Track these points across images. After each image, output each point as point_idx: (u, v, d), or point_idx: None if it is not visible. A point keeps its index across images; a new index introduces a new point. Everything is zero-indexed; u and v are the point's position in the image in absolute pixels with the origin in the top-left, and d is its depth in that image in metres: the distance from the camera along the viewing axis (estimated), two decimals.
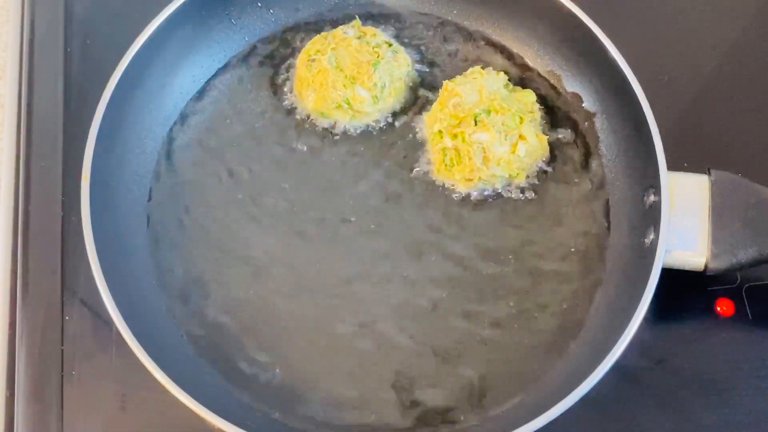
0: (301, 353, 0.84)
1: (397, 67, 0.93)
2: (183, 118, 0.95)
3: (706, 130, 0.97)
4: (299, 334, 0.85)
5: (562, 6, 0.90)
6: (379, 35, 0.95)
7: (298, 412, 0.82)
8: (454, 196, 0.91)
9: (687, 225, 0.82)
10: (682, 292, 0.87)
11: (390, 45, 0.94)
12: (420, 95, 0.95)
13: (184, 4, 0.90)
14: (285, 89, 0.96)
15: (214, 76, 0.97)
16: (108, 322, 0.82)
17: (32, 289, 0.89)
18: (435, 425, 0.82)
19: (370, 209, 0.90)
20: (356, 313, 0.86)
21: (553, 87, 0.96)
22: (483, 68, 0.94)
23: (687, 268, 0.82)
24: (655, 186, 0.83)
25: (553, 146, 0.93)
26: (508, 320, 0.85)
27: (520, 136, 0.88)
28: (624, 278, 0.85)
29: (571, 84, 0.95)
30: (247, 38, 0.98)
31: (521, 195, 0.90)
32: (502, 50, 0.98)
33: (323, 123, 0.94)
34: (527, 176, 0.91)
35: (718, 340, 0.87)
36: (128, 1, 1.03)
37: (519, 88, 0.95)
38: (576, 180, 0.92)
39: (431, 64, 0.97)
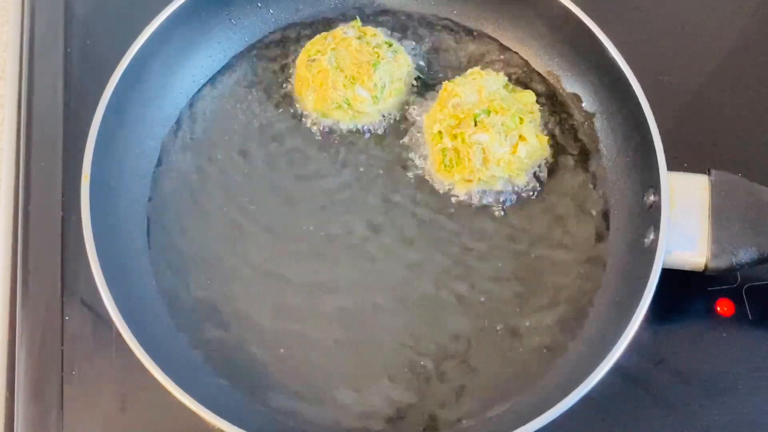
0: (301, 354, 0.84)
1: (397, 67, 0.93)
2: (183, 118, 0.95)
3: (706, 130, 0.97)
4: (299, 335, 0.85)
5: (562, 6, 0.90)
6: (379, 35, 0.95)
7: (298, 413, 0.82)
8: (453, 196, 0.91)
9: (687, 225, 0.82)
10: (682, 292, 0.87)
11: (390, 45, 0.94)
12: (419, 96, 0.95)
13: (184, 4, 0.90)
14: (285, 89, 0.96)
15: (214, 76, 0.97)
16: (108, 322, 0.82)
17: (32, 289, 0.89)
18: (434, 425, 0.82)
19: (369, 209, 0.90)
20: (354, 313, 0.86)
21: (553, 87, 0.96)
22: (483, 68, 0.94)
23: (687, 268, 0.82)
24: (655, 186, 0.83)
25: (553, 146, 0.93)
26: (508, 320, 0.85)
27: (520, 137, 0.88)
28: (624, 278, 0.85)
29: (570, 84, 0.95)
30: (247, 38, 0.98)
31: (521, 195, 0.90)
32: (502, 50, 0.98)
33: (323, 123, 0.94)
34: (527, 177, 0.91)
35: (718, 340, 0.87)
36: (128, 1, 1.03)
37: (519, 88, 0.95)
38: (576, 180, 0.91)
39: (431, 64, 0.97)
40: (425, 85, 0.96)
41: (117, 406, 0.84)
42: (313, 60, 0.93)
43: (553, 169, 0.92)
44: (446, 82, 0.92)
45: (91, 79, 0.95)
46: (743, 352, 0.87)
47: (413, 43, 0.98)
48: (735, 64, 1.01)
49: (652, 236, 0.82)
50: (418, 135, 0.93)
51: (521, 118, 0.89)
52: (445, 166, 0.90)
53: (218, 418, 0.74)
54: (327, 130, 0.94)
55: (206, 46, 0.96)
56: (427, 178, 0.91)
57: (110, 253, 0.81)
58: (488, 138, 0.87)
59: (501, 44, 0.98)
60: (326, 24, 0.99)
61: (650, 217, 0.83)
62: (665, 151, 0.83)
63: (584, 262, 0.88)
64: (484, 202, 0.90)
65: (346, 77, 0.91)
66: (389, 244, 0.89)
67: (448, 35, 0.99)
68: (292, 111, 0.95)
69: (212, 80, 0.97)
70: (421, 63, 0.97)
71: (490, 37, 0.98)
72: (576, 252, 0.88)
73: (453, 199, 0.90)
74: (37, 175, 0.94)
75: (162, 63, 0.92)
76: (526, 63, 0.97)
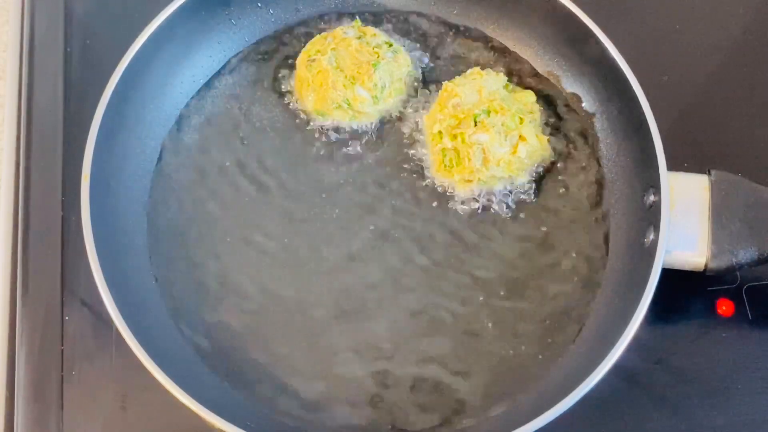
0: (301, 354, 0.84)
1: (397, 68, 0.93)
2: (183, 118, 0.95)
3: (706, 130, 0.97)
4: (300, 336, 0.85)
5: (562, 6, 0.90)
6: (379, 35, 0.95)
7: (298, 413, 0.82)
8: (453, 196, 0.91)
9: (687, 225, 0.82)
10: (682, 292, 0.87)
11: (390, 45, 0.94)
12: (420, 96, 0.95)
13: (184, 4, 0.90)
14: (285, 90, 0.96)
15: (214, 76, 0.97)
16: (108, 322, 0.82)
17: (32, 289, 0.89)
18: (434, 426, 0.82)
19: (369, 210, 0.90)
20: (353, 313, 0.86)
21: (553, 87, 0.96)
22: (483, 68, 0.94)
23: (687, 268, 0.82)
24: (655, 186, 0.83)
25: (553, 147, 0.93)
26: (508, 320, 0.85)
27: (521, 137, 0.88)
28: (624, 278, 0.85)
29: (570, 84, 0.95)
30: (247, 38, 0.98)
31: (521, 196, 0.90)
32: (502, 50, 0.98)
33: (323, 123, 0.94)
34: (527, 177, 0.91)
35: (718, 340, 0.87)
36: (128, 1, 1.03)
37: (519, 88, 0.95)
38: (576, 180, 0.91)
39: (431, 64, 0.97)
40: (425, 85, 0.96)
41: (117, 406, 0.84)
42: (313, 60, 0.93)
43: (553, 170, 0.92)
44: (446, 82, 0.92)
45: (91, 79, 0.95)
46: (743, 352, 0.87)
47: (413, 43, 0.98)
48: (735, 64, 1.01)
49: (652, 236, 0.82)
50: (418, 135, 0.93)
51: (521, 118, 0.89)
52: (445, 166, 0.90)
53: (218, 418, 0.74)
54: (327, 130, 0.94)
55: (206, 46, 0.96)
56: (426, 178, 0.91)
57: (110, 253, 0.81)
58: (488, 138, 0.87)
59: (501, 44, 0.98)
60: (326, 24, 0.99)
61: (650, 217, 0.83)
62: (665, 151, 0.83)
63: (584, 262, 0.88)
64: (484, 202, 0.90)
65: (346, 77, 0.91)
66: (389, 244, 0.89)
67: (448, 35, 0.99)
68: (292, 111, 0.95)
69: (212, 80, 0.97)
70: (421, 63, 0.97)
71: (490, 37, 0.98)
72: (576, 252, 0.88)
73: (453, 200, 0.90)
74: (37, 175, 0.94)
75: (162, 63, 0.92)
76: (526, 63, 0.97)
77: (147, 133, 0.92)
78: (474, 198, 0.90)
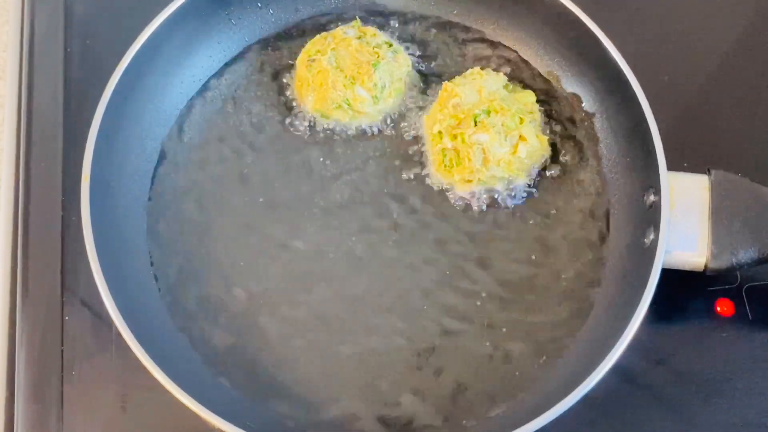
0: (301, 355, 0.84)
1: (397, 68, 0.93)
2: (183, 118, 0.95)
3: (706, 130, 0.97)
4: (300, 336, 0.85)
5: (562, 6, 0.90)
6: (379, 35, 0.95)
7: (298, 413, 0.82)
8: (453, 196, 0.91)
9: (687, 225, 0.82)
10: (682, 292, 0.87)
11: (390, 45, 0.94)
12: (420, 96, 0.95)
13: (184, 4, 0.90)
14: (285, 89, 0.96)
15: (214, 76, 0.97)
16: (108, 322, 0.82)
17: (32, 289, 0.89)
18: (435, 425, 0.82)
19: (369, 210, 0.90)
20: (354, 315, 0.86)
21: (553, 87, 0.96)
22: (483, 68, 0.94)
23: (687, 268, 0.82)
24: (655, 186, 0.83)
25: (553, 147, 0.93)
26: (508, 320, 0.85)
27: (521, 137, 0.88)
28: (624, 278, 0.85)
29: (570, 84, 0.95)
30: (247, 38, 0.98)
31: (521, 196, 0.90)
32: (502, 50, 0.98)
33: (323, 123, 0.94)
34: (527, 177, 0.91)
35: (718, 340, 0.87)
36: (128, 1, 1.03)
37: (519, 88, 0.95)
38: (576, 180, 0.92)
39: (431, 64, 0.97)
40: (425, 85, 0.96)
41: (117, 406, 0.84)
42: (313, 60, 0.93)
43: (553, 170, 0.92)
44: (446, 82, 0.92)
45: (91, 79, 0.95)
46: (743, 352, 0.87)
47: (413, 43, 0.98)
48: (735, 64, 1.01)
49: (652, 236, 0.82)
50: (418, 135, 0.93)
51: (521, 118, 0.89)
52: (445, 166, 0.90)
53: (218, 418, 0.74)
54: (327, 130, 0.94)
55: (206, 46, 0.96)
56: (427, 178, 0.91)
57: (110, 253, 0.81)
58: (488, 138, 0.87)
59: (501, 44, 0.98)
60: (326, 24, 0.99)
61: (650, 217, 0.83)
62: (665, 151, 0.83)
63: (584, 262, 0.88)
64: (484, 202, 0.90)
65: (346, 77, 0.91)
66: (389, 245, 0.89)
67: (448, 35, 0.99)
68: (292, 111, 0.95)
69: (212, 80, 0.97)
70: (421, 63, 0.97)
71: (490, 37, 0.98)
72: (576, 252, 0.88)
73: (453, 200, 0.90)
74: (37, 175, 0.94)
75: (162, 63, 0.92)
76: (526, 63, 0.97)
77: (147, 133, 0.92)
78: (473, 198, 0.90)
